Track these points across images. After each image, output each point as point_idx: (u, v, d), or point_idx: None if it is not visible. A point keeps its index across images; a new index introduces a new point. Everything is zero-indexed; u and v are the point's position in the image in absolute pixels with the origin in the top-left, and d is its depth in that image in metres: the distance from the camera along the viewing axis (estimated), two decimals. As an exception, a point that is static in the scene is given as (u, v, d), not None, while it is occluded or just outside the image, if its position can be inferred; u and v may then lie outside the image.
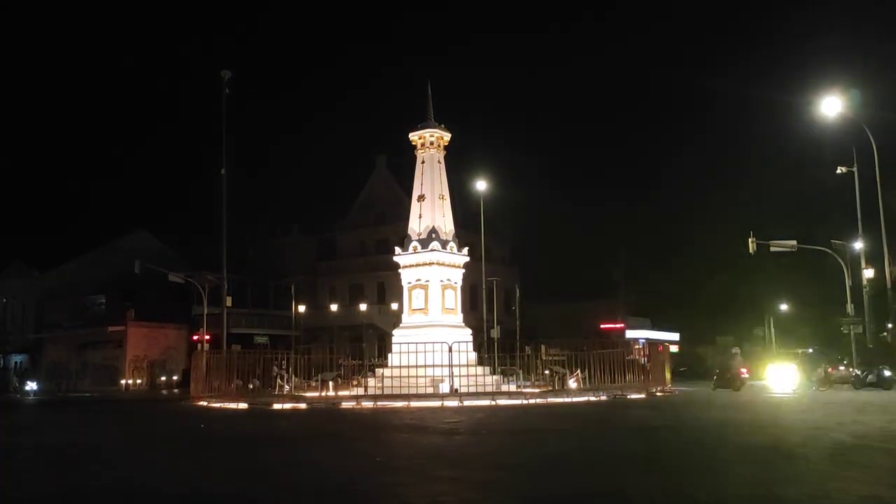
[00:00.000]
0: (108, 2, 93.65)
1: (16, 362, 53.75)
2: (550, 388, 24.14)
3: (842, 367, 27.31)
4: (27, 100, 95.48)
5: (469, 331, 25.08)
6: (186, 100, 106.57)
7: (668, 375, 26.53)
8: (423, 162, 25.51)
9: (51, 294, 51.78)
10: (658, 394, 23.39)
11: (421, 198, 25.35)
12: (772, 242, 34.60)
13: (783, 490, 6.01)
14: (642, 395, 22.36)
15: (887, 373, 24.83)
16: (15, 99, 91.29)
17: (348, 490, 6.83)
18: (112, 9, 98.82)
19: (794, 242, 34.73)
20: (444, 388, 21.15)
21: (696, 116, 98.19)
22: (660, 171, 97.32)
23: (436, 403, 19.26)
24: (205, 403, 21.91)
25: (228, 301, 28.99)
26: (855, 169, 29.51)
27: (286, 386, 24.65)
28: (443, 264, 24.70)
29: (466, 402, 19.29)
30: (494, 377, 24.63)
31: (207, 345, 32.47)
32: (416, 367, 21.37)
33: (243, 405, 20.74)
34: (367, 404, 19.86)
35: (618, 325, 54.34)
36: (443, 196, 25.42)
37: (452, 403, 19.17)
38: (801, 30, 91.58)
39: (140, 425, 15.24)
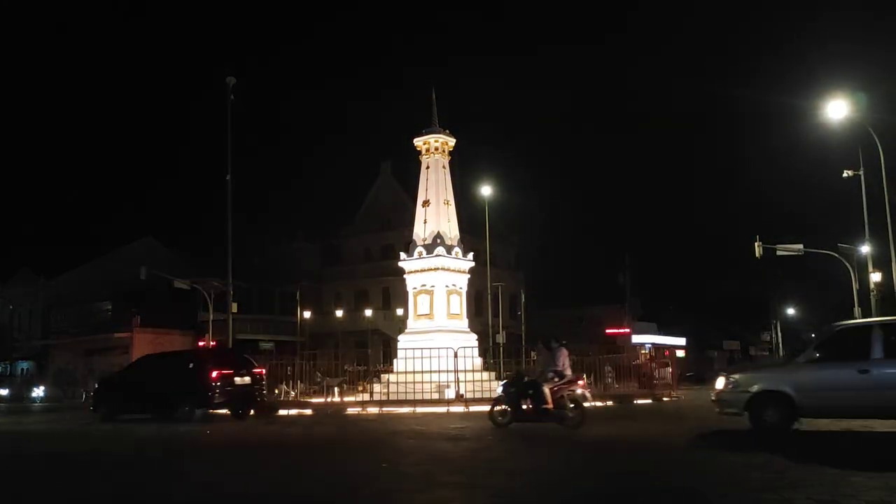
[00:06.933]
0: (113, 6, 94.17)
1: (22, 369, 53.87)
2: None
3: None
4: (33, 108, 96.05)
5: (474, 336, 25.00)
6: (191, 105, 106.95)
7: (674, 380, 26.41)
8: (427, 167, 25.45)
9: (57, 301, 51.89)
10: (665, 399, 23.32)
11: (426, 203, 25.30)
12: (778, 246, 34.44)
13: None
14: (648, 401, 22.27)
15: None
16: (21, 107, 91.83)
17: (355, 495, 6.81)
18: (117, 14, 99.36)
19: (800, 246, 34.51)
20: (450, 393, 21.09)
21: (701, 120, 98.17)
22: (664, 173, 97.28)
23: (441, 409, 19.20)
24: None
25: (234, 307, 28.90)
26: (861, 172, 29.38)
27: (291, 392, 24.64)
28: (448, 269, 24.63)
29: (472, 408, 19.22)
30: (500, 382, 24.50)
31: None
32: (422, 372, 21.31)
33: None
34: (373, 410, 19.82)
35: (624, 330, 54.12)
36: (448, 201, 25.36)
37: (458, 409, 19.13)
38: (807, 34, 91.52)
39: (148, 431, 15.22)
